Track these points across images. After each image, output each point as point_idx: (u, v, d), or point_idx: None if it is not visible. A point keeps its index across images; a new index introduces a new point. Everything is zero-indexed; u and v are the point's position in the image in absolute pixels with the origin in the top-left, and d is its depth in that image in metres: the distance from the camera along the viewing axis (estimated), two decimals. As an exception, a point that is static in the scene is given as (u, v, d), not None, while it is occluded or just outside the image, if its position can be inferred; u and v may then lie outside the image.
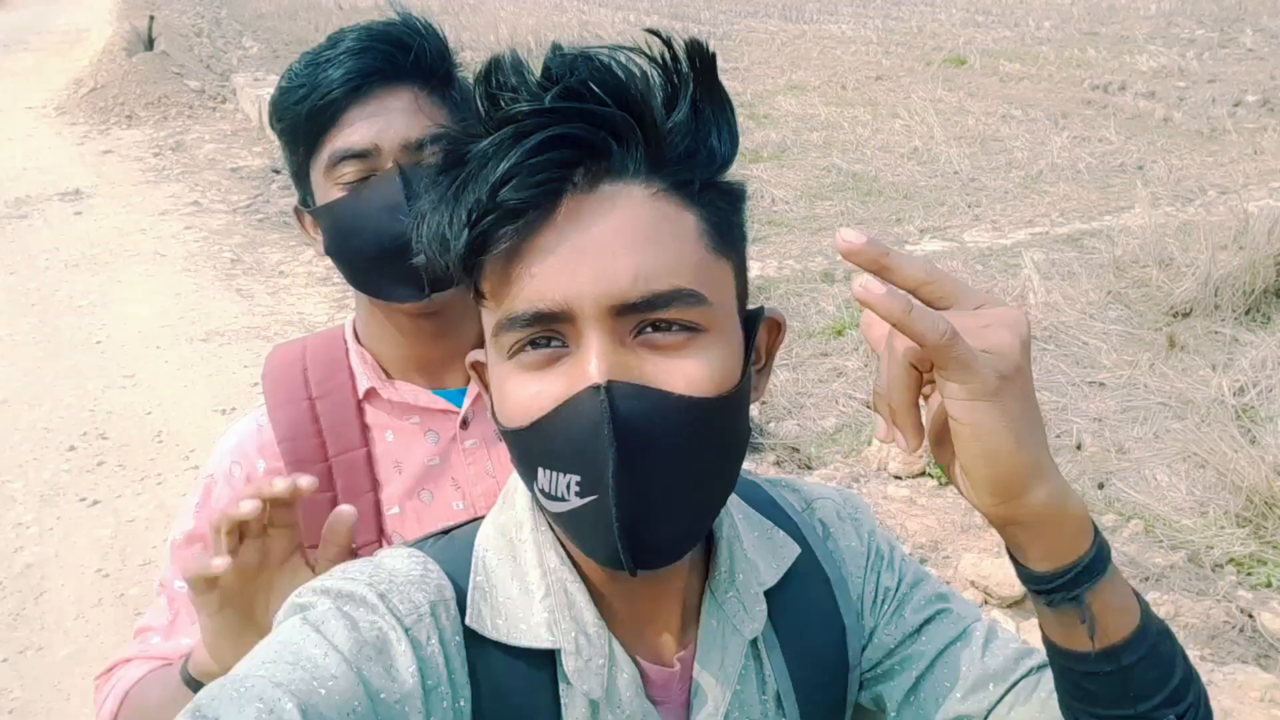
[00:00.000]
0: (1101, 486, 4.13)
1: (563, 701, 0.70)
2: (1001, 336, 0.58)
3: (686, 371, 0.62)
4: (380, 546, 1.07)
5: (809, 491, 0.89)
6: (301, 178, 1.07)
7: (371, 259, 1.03)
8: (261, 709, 0.56)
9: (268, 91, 10.45)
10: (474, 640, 0.69)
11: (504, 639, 0.69)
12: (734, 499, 0.80)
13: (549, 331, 0.62)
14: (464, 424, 1.12)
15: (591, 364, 0.60)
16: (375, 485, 1.09)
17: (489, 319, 0.65)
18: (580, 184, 0.61)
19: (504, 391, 0.65)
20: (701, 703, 0.74)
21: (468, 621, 0.69)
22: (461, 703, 0.67)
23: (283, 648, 0.62)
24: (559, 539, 0.72)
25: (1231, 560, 3.58)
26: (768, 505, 0.85)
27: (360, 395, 1.11)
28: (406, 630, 0.65)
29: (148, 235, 7.13)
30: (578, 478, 0.61)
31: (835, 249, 0.60)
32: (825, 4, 20.94)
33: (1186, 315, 5.57)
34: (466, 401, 1.11)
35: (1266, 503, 3.73)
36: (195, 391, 4.72)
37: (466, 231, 0.61)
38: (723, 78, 0.66)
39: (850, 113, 10.72)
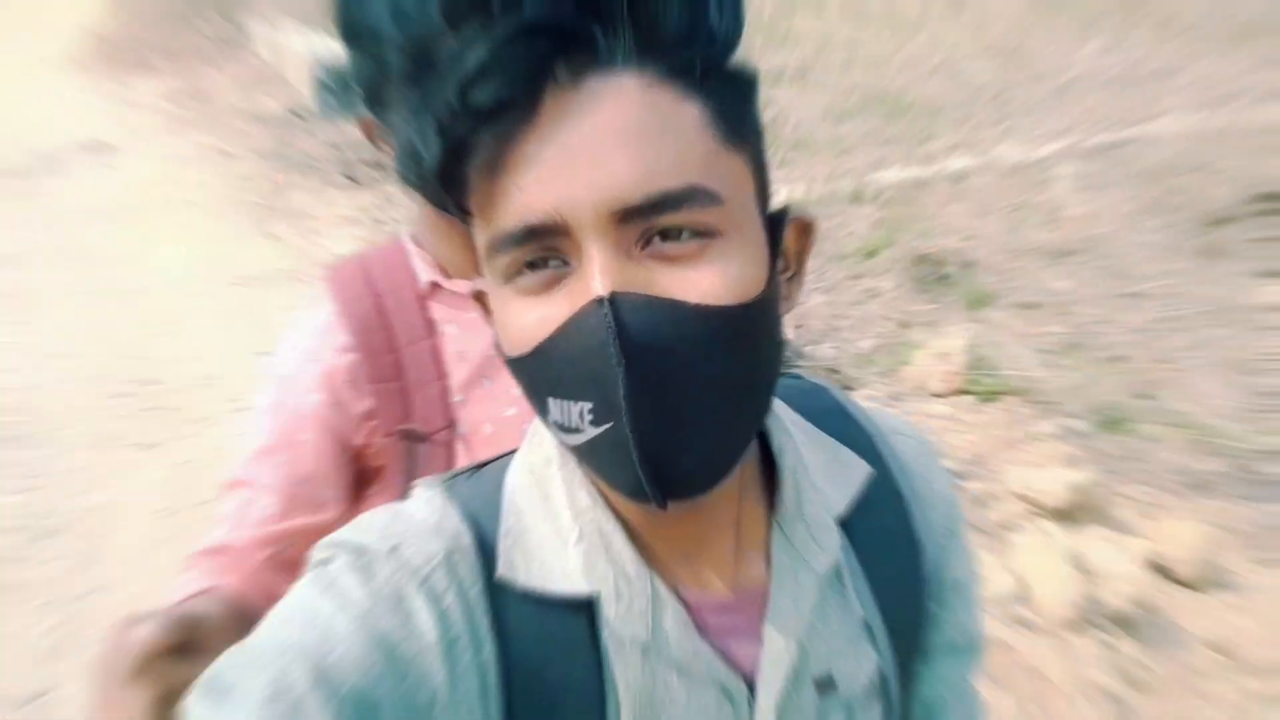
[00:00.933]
0: (1146, 398, 4.12)
1: (607, 647, 0.65)
2: None
3: (702, 281, 0.56)
4: (450, 433, 1.11)
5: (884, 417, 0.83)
6: (378, 90, 1.03)
7: None
8: (276, 675, 0.54)
9: (283, 34, 10.14)
10: (500, 588, 0.65)
11: (539, 586, 0.65)
12: (795, 418, 0.76)
13: (546, 249, 0.56)
14: None
15: (595, 279, 0.54)
16: (442, 374, 1.12)
17: (480, 240, 0.60)
18: (563, 79, 0.54)
19: (505, 319, 0.60)
20: (774, 644, 0.69)
21: (501, 571, 0.65)
22: (485, 654, 0.63)
23: (297, 608, 0.60)
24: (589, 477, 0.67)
25: (1280, 464, 3.58)
26: (836, 413, 0.80)
27: (424, 289, 1.15)
28: (422, 582, 0.62)
29: (176, 184, 7.13)
30: (590, 404, 0.56)
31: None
32: (840, -82, 20.31)
33: (1225, 222, 5.48)
34: None
35: (1314, 406, 3.71)
36: (237, 335, 4.76)
37: (438, 141, 0.55)
38: None
39: (871, 28, 10.47)
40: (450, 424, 1.11)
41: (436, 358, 1.12)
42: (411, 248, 1.17)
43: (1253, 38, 9.00)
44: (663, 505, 0.57)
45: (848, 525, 0.74)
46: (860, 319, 4.84)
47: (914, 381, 4.36)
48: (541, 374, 0.58)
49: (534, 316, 0.57)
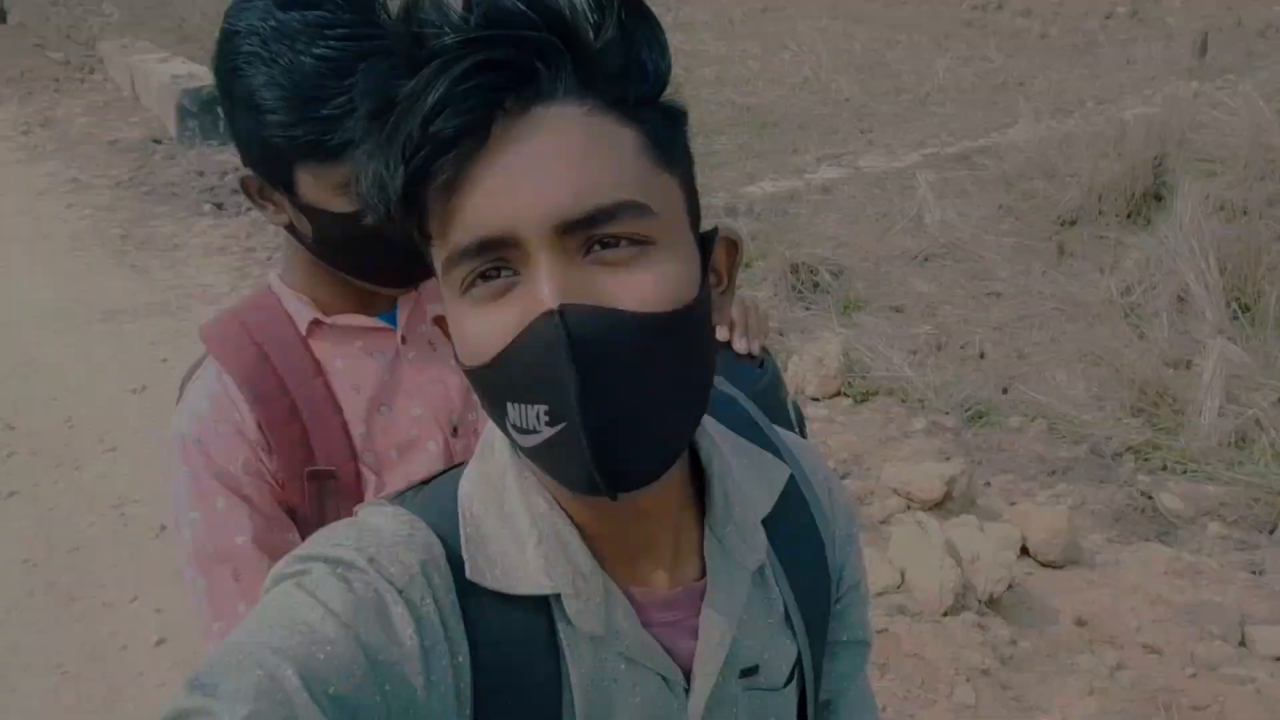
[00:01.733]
0: (1005, 391, 4.36)
1: (563, 643, 0.70)
2: None
3: (639, 285, 0.61)
4: (355, 466, 1.14)
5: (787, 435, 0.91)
6: (274, 156, 1.03)
7: (374, 266, 1.11)
8: (261, 676, 0.56)
9: (139, 59, 9.77)
10: (468, 594, 0.69)
11: (503, 588, 0.69)
12: (718, 427, 0.82)
13: (497, 261, 0.61)
14: (403, 340, 1.19)
15: (543, 287, 0.60)
16: (338, 409, 1.14)
17: (437, 257, 0.65)
18: (511, 109, 0.60)
19: (462, 330, 0.65)
20: (709, 637, 0.75)
21: (469, 575, 0.69)
22: (460, 658, 0.67)
23: (280, 613, 0.62)
24: (543, 483, 0.72)
25: (1129, 449, 3.83)
26: (749, 423, 0.87)
27: (304, 331, 1.15)
28: (400, 592, 0.65)
29: (28, 216, 6.80)
30: (545, 407, 0.61)
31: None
32: (705, -62, 20.85)
33: (1073, 223, 5.86)
34: (401, 319, 1.19)
35: (1158, 392, 4.00)
36: (103, 373, 4.57)
37: (402, 169, 0.60)
38: None
39: (740, 46, 10.76)
40: (354, 456, 1.14)
41: (329, 395, 1.13)
42: (282, 290, 1.17)
43: (1093, 49, 9.59)
44: (613, 496, 0.63)
45: (769, 526, 0.80)
46: (739, 328, 4.96)
47: (792, 386, 4.49)
48: (499, 381, 0.63)
49: (488, 325, 0.62)
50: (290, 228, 1.11)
